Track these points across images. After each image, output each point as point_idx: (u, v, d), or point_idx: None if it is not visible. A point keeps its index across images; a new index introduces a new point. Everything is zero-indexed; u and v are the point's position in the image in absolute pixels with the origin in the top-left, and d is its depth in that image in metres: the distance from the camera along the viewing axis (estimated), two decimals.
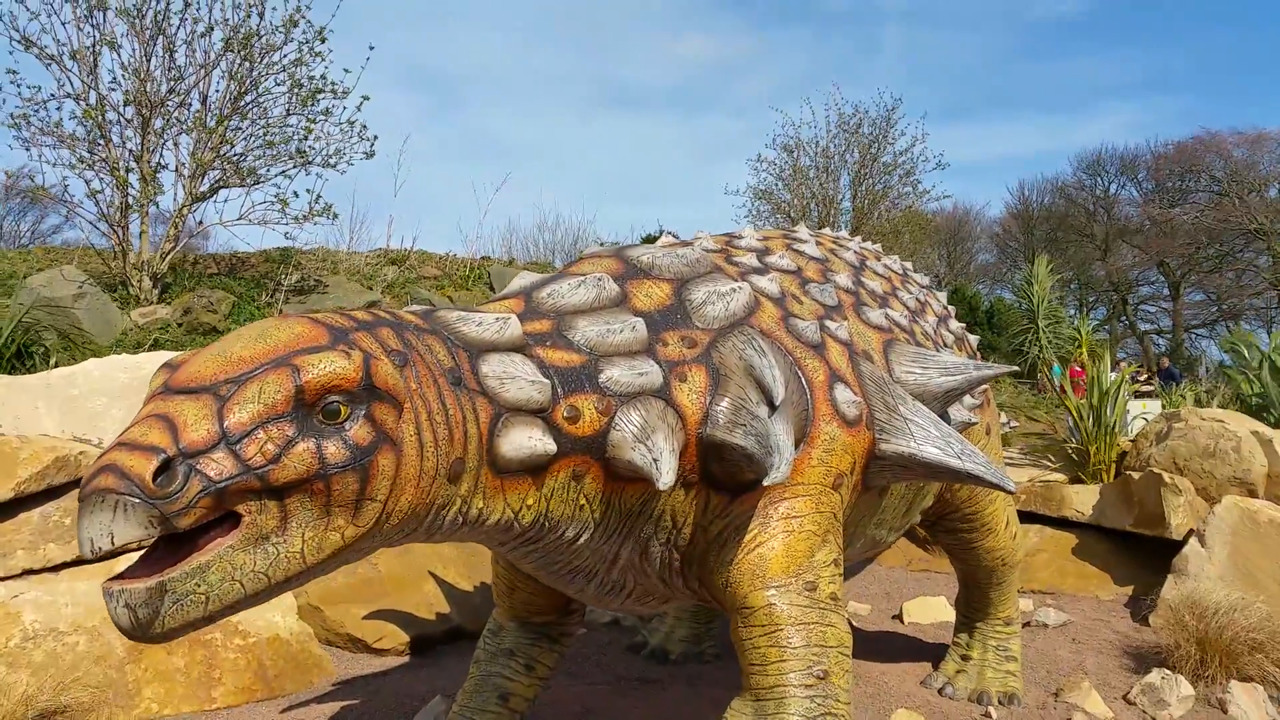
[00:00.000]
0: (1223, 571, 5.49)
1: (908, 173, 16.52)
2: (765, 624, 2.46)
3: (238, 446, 1.68)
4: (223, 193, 9.69)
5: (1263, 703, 4.37)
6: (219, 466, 1.66)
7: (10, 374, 5.54)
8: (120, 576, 1.67)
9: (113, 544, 1.59)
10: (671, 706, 3.91)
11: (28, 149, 8.88)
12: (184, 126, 9.16)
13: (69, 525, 3.98)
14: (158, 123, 8.89)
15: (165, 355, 5.32)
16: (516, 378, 2.11)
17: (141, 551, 1.74)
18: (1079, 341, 18.65)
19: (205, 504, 1.65)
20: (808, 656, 2.45)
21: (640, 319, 2.38)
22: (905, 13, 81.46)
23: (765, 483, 2.24)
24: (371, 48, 10.40)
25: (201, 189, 9.34)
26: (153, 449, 1.62)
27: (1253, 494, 6.22)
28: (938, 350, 3.44)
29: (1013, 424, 10.71)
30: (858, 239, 3.88)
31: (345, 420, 1.80)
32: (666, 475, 2.16)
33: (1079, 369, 15.33)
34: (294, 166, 9.60)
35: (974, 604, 4.40)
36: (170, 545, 1.69)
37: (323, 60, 9.79)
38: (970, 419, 3.27)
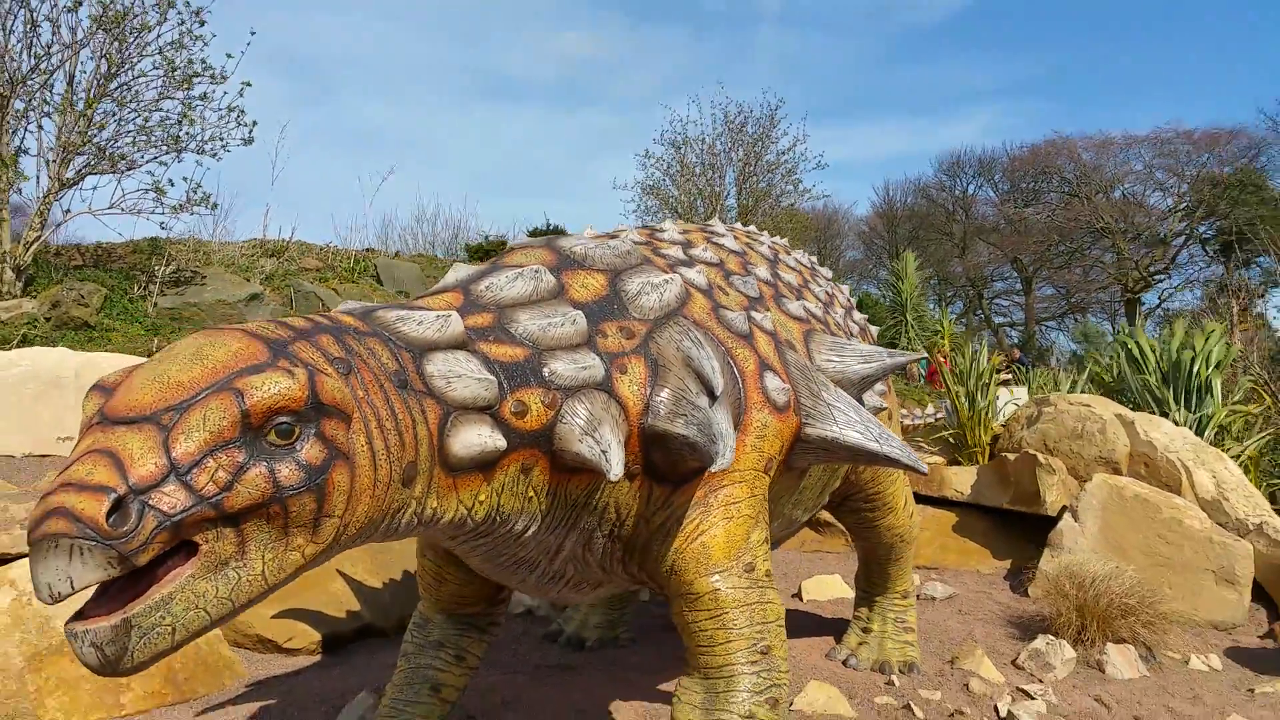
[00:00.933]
0: (1094, 544, 5.90)
1: (789, 171, 17.02)
2: (711, 608, 2.58)
3: (188, 477, 1.65)
4: (90, 180, 9.19)
5: (1135, 661, 4.74)
6: (171, 500, 1.63)
7: None
8: (82, 615, 1.64)
9: (72, 589, 1.56)
10: (591, 691, 3.98)
11: None
12: (49, 109, 8.65)
13: None
14: (18, 104, 8.36)
15: (36, 351, 5.07)
16: (462, 376, 2.13)
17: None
18: (941, 333, 19.61)
19: (161, 538, 1.62)
20: (751, 635, 2.60)
21: (579, 311, 2.43)
22: (779, 15, 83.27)
23: (712, 469, 2.33)
24: (253, 32, 10.07)
25: (68, 175, 8.83)
26: (102, 488, 1.58)
27: (1117, 472, 6.67)
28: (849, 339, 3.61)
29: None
30: (766, 234, 4.02)
31: (296, 440, 1.78)
32: (616, 466, 2.23)
33: (943, 359, 16.08)
34: (168, 153, 9.18)
35: (874, 579, 4.62)
36: (128, 577, 1.65)
37: (203, 43, 9.41)
38: (881, 404, 3.44)
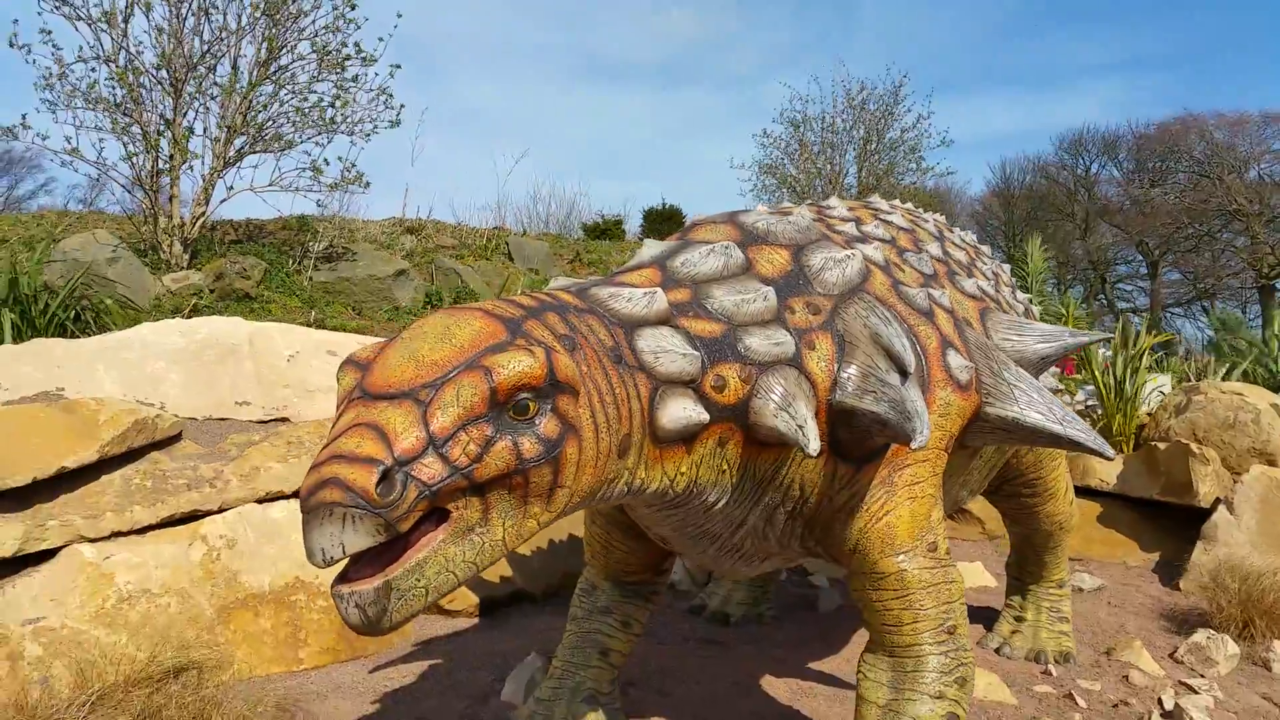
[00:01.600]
0: (1251, 538, 5.67)
1: (912, 149, 16.70)
2: (897, 588, 2.59)
3: (444, 449, 1.77)
4: (250, 159, 9.67)
5: None
6: (430, 471, 1.75)
7: (63, 338, 5.56)
8: (345, 579, 1.77)
9: (344, 554, 1.70)
10: (741, 665, 4.02)
11: (53, 110, 8.78)
12: (216, 91, 9.12)
13: (150, 488, 4.02)
14: (190, 87, 8.84)
15: (213, 321, 5.35)
16: (670, 351, 2.20)
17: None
18: (1065, 318, 18.97)
19: (421, 507, 1.75)
20: (938, 615, 2.60)
21: (770, 288, 2.46)
22: None
23: (912, 446, 2.31)
24: (399, 15, 10.37)
25: (229, 155, 9.30)
26: (371, 460, 1.70)
27: (1272, 464, 6.39)
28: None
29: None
30: (934, 214, 3.97)
31: (535, 415, 1.88)
32: (814, 441, 2.25)
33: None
34: (320, 133, 9.59)
35: (1028, 567, 4.53)
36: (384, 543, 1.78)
37: (356, 26, 9.76)
38: (1055, 385, 3.38)
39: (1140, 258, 39.40)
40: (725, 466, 2.39)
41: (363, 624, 1.76)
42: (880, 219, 3.36)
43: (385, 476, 1.70)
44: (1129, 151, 39.47)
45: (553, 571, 4.92)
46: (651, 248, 2.67)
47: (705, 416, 2.21)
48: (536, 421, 1.88)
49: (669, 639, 4.34)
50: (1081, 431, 2.81)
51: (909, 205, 4.01)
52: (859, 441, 2.52)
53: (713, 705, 3.56)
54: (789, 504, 2.59)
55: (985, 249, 4.10)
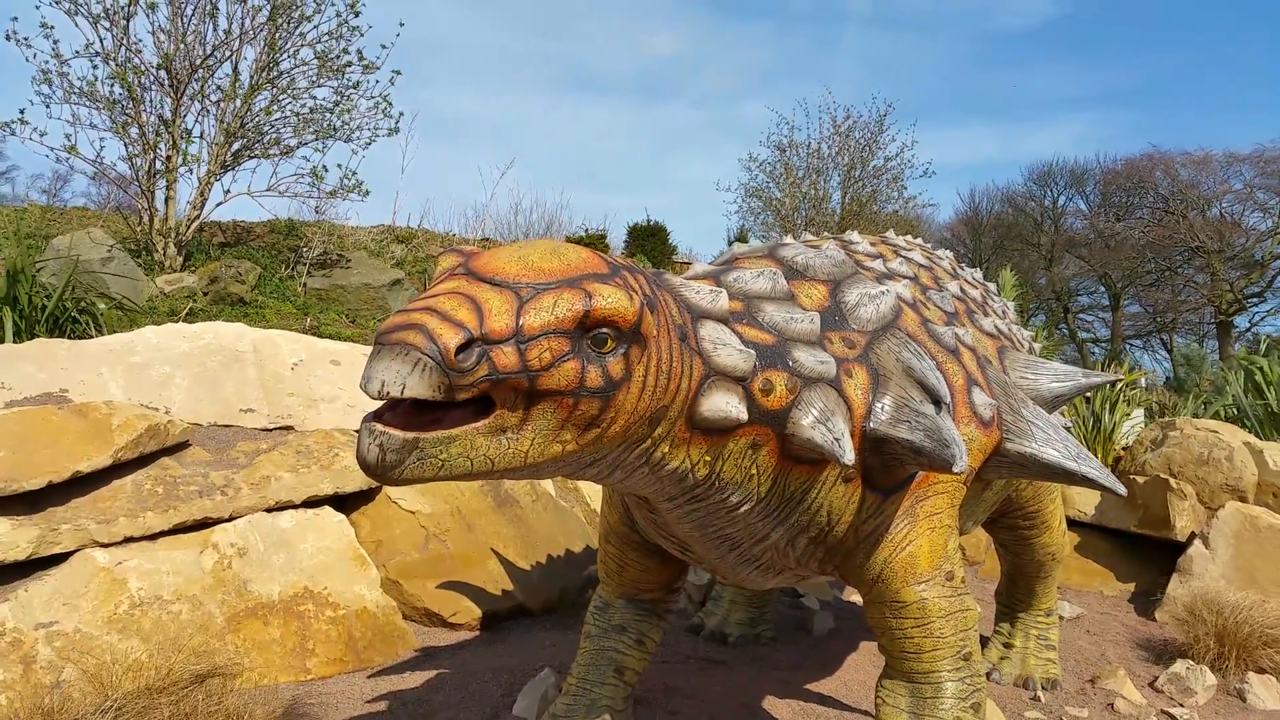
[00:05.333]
0: (1225, 572, 5.85)
1: (895, 177, 16.97)
2: (918, 616, 2.69)
3: (524, 346, 1.84)
4: (247, 163, 9.64)
5: (1277, 692, 4.71)
6: (506, 359, 1.82)
7: (62, 338, 5.52)
8: (380, 419, 1.83)
9: (402, 393, 1.75)
10: (745, 684, 4.10)
11: (48, 106, 8.73)
12: (217, 94, 9.09)
13: (162, 494, 4.02)
14: (191, 88, 8.81)
15: (217, 325, 5.33)
16: (728, 344, 2.28)
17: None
18: (1038, 349, 19.30)
19: (483, 386, 1.82)
20: (956, 642, 2.70)
21: (816, 314, 2.56)
22: (869, 17, 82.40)
23: (954, 471, 2.40)
24: (402, 24, 10.45)
25: (227, 158, 9.26)
26: (461, 326, 1.78)
27: (1244, 500, 6.58)
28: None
29: None
30: (944, 251, 4.08)
31: (609, 352, 1.96)
32: (849, 454, 2.33)
33: None
34: (318, 139, 9.59)
35: (1018, 596, 4.65)
36: (418, 404, 1.84)
37: (359, 33, 9.77)
38: (1066, 423, 3.50)
39: (1103, 289, 40.11)
40: (755, 471, 2.45)
41: (376, 464, 1.80)
42: (902, 255, 3.47)
43: (467, 345, 1.77)
44: (1096, 185, 40.20)
45: (551, 587, 4.96)
46: (697, 268, 2.77)
47: (744, 416, 2.28)
48: (608, 358, 1.96)
49: (670, 658, 4.40)
50: (1095, 469, 2.92)
51: (920, 241, 4.12)
52: (888, 471, 2.61)
53: None
54: (814, 529, 2.67)
55: (992, 286, 4.23)
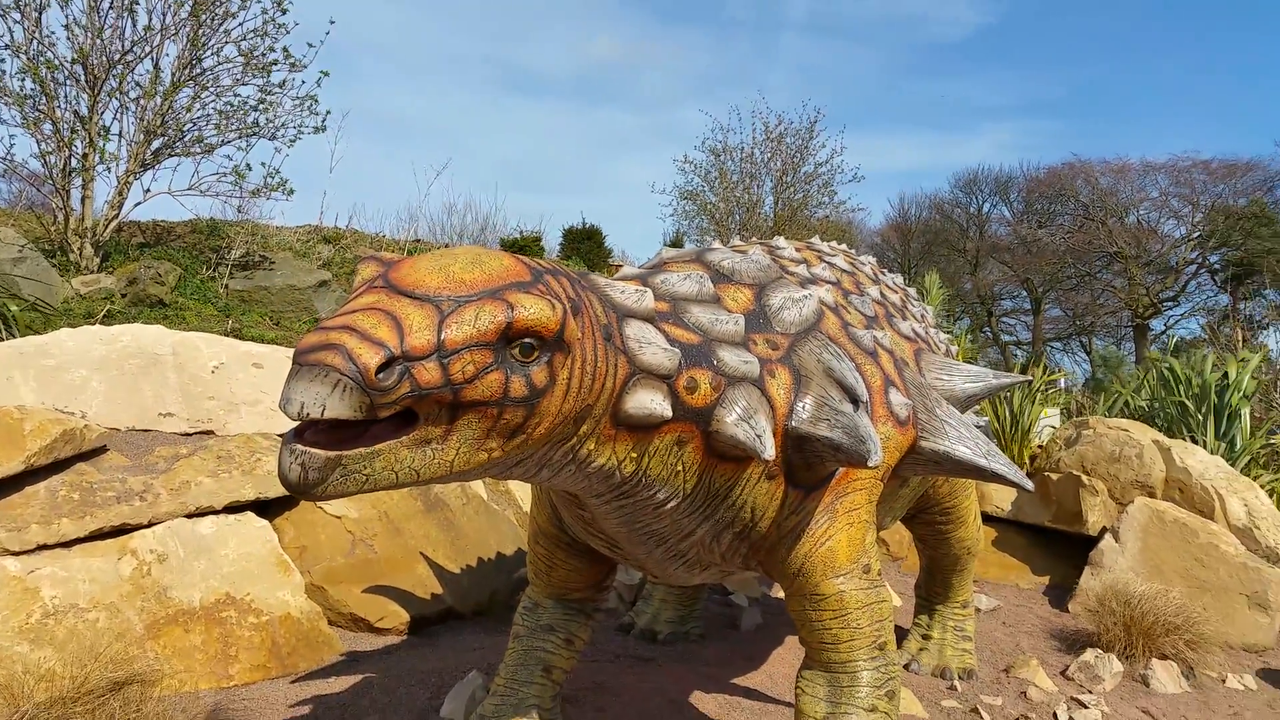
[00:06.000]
0: (1134, 564, 6.07)
1: (825, 183, 17.24)
2: (836, 608, 2.77)
3: (447, 360, 1.85)
4: (168, 161, 9.38)
5: (1178, 677, 4.94)
6: (428, 375, 1.83)
7: None
8: (301, 438, 1.82)
9: (322, 415, 1.75)
10: (672, 681, 4.15)
11: None
12: (136, 91, 8.86)
13: (78, 500, 3.94)
14: (109, 84, 8.57)
15: (135, 328, 5.23)
16: (653, 343, 2.33)
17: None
18: (956, 352, 19.78)
19: (406, 403, 1.83)
20: (872, 633, 2.79)
21: (740, 315, 2.62)
22: (805, 24, 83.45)
23: (869, 465, 2.48)
24: (332, 21, 10.23)
25: (147, 157, 9.04)
26: (381, 344, 1.78)
27: (1152, 496, 6.84)
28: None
29: None
30: (867, 257, 4.19)
31: (532, 361, 1.98)
32: (769, 449, 2.39)
33: None
34: (240, 136, 9.40)
35: (936, 588, 4.79)
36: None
37: (285, 31, 9.59)
38: (979, 422, 3.62)
39: (1025, 294, 41.15)
40: (680, 468, 2.50)
41: (299, 483, 1.81)
42: (826, 261, 3.56)
43: (388, 364, 1.77)
44: (1020, 193, 41.22)
45: (481, 590, 4.96)
46: (629, 269, 2.82)
47: (669, 413, 2.33)
48: (531, 367, 1.98)
49: (600, 656, 4.44)
50: (1005, 466, 3.03)
51: (844, 247, 4.22)
52: (809, 468, 2.69)
53: None
54: (739, 525, 2.73)
55: (913, 291, 4.35)
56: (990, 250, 40.30)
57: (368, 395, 1.75)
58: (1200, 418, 8.37)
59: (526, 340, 1.95)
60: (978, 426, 3.53)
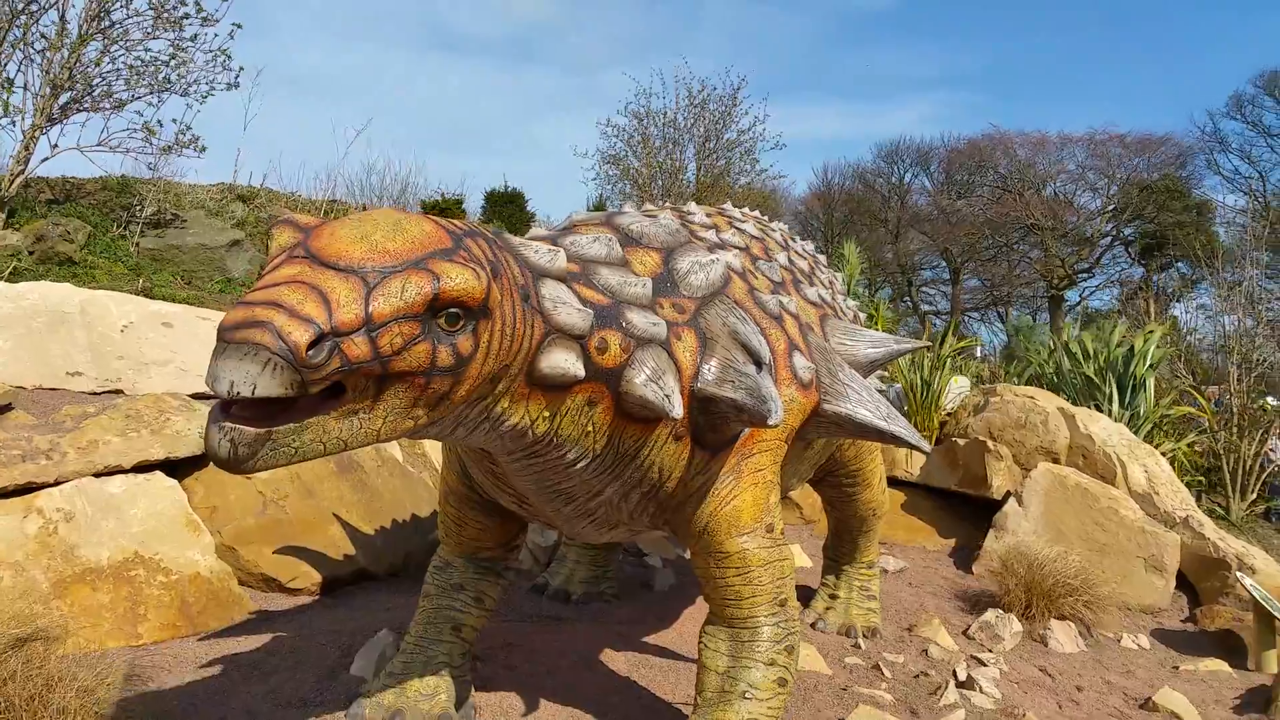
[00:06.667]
0: (1036, 527, 6.33)
1: (748, 150, 17.33)
2: (739, 566, 2.86)
3: (375, 334, 1.87)
4: (76, 117, 9.05)
5: (1075, 637, 5.17)
6: (357, 350, 1.85)
7: None
8: (229, 415, 1.83)
9: (253, 394, 1.75)
10: (583, 640, 4.23)
11: None
12: (43, 43, 8.53)
13: None
14: (12, 35, 8.24)
15: (42, 286, 5.09)
16: (567, 303, 2.37)
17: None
18: (875, 318, 20.17)
19: (335, 378, 1.85)
20: (773, 589, 2.89)
21: (649, 279, 2.67)
22: None
23: (769, 424, 2.55)
24: None
25: (54, 111, 8.73)
26: (309, 321, 1.79)
27: (1056, 461, 7.12)
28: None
29: None
30: (778, 223, 4.27)
31: (457, 330, 2.01)
32: (678, 408, 2.46)
33: None
34: (151, 92, 9.13)
35: (843, 549, 4.94)
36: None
37: None
38: (881, 386, 3.73)
39: (944, 264, 42.04)
40: (590, 428, 2.55)
41: (229, 458, 1.82)
42: (735, 227, 3.62)
43: (318, 340, 1.78)
44: (940, 164, 41.96)
45: (396, 551, 4.98)
46: (536, 230, 2.84)
47: (582, 373, 2.38)
48: (457, 335, 2.01)
49: (513, 616, 4.50)
50: (904, 429, 3.15)
51: (757, 213, 4.29)
52: (715, 429, 2.76)
53: (556, 677, 3.74)
54: (646, 485, 2.80)
55: (822, 258, 4.45)
56: (911, 220, 41.04)
57: (298, 373, 1.76)
58: (1106, 388, 8.70)
59: (452, 310, 1.97)
60: (881, 392, 3.65)
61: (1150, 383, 8.62)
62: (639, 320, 2.53)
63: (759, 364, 2.72)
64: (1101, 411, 8.27)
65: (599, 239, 2.69)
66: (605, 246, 2.69)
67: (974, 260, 40.39)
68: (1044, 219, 36.19)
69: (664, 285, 2.78)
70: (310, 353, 1.77)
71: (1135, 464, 6.98)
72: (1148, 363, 8.60)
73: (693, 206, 3.66)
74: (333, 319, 1.81)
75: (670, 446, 2.73)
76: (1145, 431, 8.32)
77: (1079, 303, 38.59)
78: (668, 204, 3.90)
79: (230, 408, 1.84)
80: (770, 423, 2.56)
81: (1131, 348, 8.78)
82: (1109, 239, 37.72)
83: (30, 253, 7.48)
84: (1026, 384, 9.78)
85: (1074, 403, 8.23)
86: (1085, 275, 38.15)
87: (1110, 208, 36.92)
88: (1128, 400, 8.53)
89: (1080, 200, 38.18)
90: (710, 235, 3.31)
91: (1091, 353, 9.24)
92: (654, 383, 2.48)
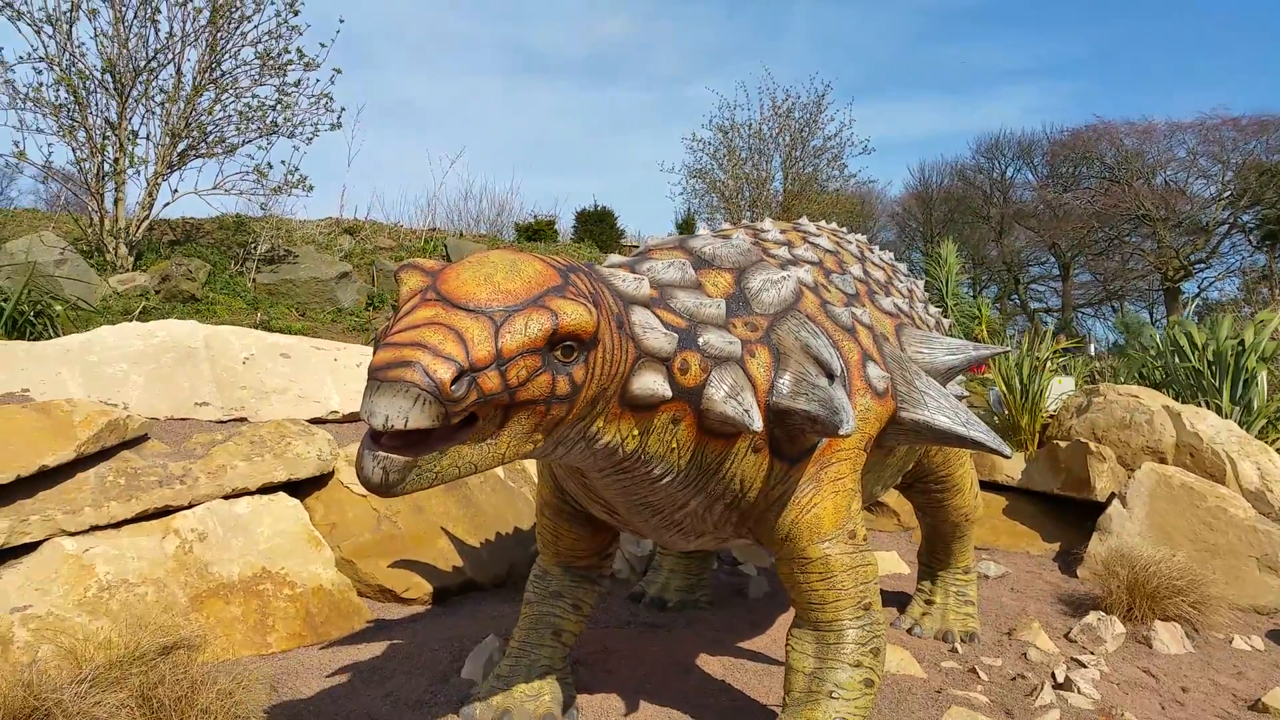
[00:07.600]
0: (1142, 529, 6.22)
1: (835, 156, 17.30)
2: (822, 571, 2.98)
3: (504, 368, 2.10)
4: (193, 162, 9.77)
5: (1181, 638, 5.08)
6: (490, 382, 2.08)
7: (22, 339, 5.66)
8: (380, 445, 2.05)
9: (405, 427, 1.98)
10: (679, 645, 4.39)
11: None
12: (161, 96, 9.24)
13: (124, 485, 4.23)
14: (136, 90, 8.95)
15: (170, 324, 5.52)
16: (655, 329, 2.54)
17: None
18: (979, 319, 19.73)
19: (472, 409, 2.08)
20: (856, 594, 3.00)
21: (722, 300, 2.83)
22: None
23: (841, 434, 2.68)
24: (342, 20, 10.56)
25: (173, 158, 9.41)
26: (451, 359, 2.01)
27: (1163, 461, 6.97)
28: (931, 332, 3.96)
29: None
30: (850, 232, 4.37)
31: (572, 361, 2.23)
32: (758, 422, 2.60)
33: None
34: (260, 136, 9.76)
35: (937, 555, 4.98)
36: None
37: (299, 32, 9.93)
38: (962, 393, 3.80)
39: (1053, 260, 40.84)
40: (675, 444, 2.72)
41: (380, 483, 2.06)
42: (809, 242, 3.75)
43: (459, 376, 2.01)
44: (1044, 156, 40.84)
45: (500, 563, 5.23)
46: (612, 259, 3.03)
47: (669, 393, 2.56)
48: (572, 366, 2.24)
49: (611, 623, 4.69)
50: (983, 433, 3.22)
51: (833, 226, 4.40)
52: (792, 440, 2.89)
53: (653, 681, 3.91)
54: (729, 496, 2.95)
55: (902, 267, 4.52)
56: (1015, 216, 40.00)
57: (443, 406, 1.99)
58: (1215, 382, 8.44)
59: (568, 343, 2.19)
60: (958, 397, 3.71)
61: (1263, 376, 8.32)
62: (715, 340, 2.69)
63: (831, 376, 2.85)
64: (1209, 408, 8.04)
65: (673, 264, 2.86)
66: (680, 270, 2.85)
67: (1084, 254, 39.14)
68: (1155, 209, 34.88)
69: (737, 304, 2.93)
70: (453, 387, 1.99)
71: (1246, 461, 6.78)
72: (1259, 354, 8.31)
73: (768, 223, 3.80)
74: (470, 356, 2.03)
75: (750, 459, 2.87)
76: (1258, 428, 8.04)
77: (1197, 294, 37.03)
78: (743, 222, 4.04)
79: (380, 438, 2.06)
80: (842, 432, 2.68)
81: (1242, 340, 8.49)
82: (1226, 227, 36.08)
83: (156, 291, 8.06)
84: (1130, 382, 9.56)
85: (1181, 399, 8.03)
86: (1202, 266, 36.57)
87: (1226, 194, 35.33)
88: (1238, 395, 8.26)
89: (1193, 188, 36.63)
90: (783, 252, 3.44)
91: (1200, 345, 8.97)
92: (733, 398, 2.63)
